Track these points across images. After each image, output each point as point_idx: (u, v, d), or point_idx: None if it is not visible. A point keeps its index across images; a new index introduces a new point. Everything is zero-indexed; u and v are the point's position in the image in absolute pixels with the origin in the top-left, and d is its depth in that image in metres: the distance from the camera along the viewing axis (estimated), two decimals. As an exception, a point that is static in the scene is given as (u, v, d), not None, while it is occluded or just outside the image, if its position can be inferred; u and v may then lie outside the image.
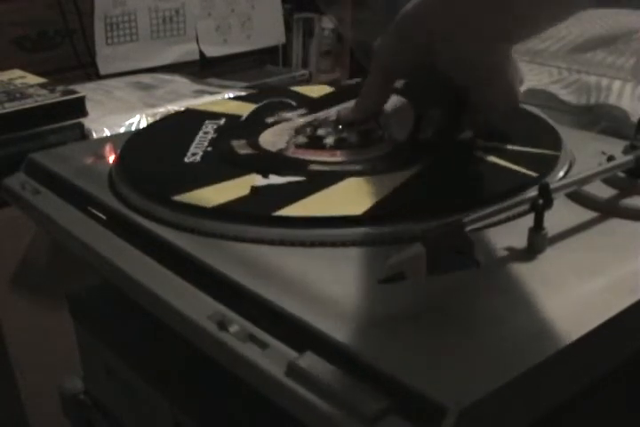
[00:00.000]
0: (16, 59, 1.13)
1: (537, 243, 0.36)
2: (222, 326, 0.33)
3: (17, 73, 0.99)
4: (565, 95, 0.73)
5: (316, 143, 0.49)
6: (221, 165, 0.47)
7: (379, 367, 0.28)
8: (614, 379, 0.37)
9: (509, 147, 0.47)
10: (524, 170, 0.43)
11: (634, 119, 0.66)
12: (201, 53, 1.37)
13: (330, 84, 0.66)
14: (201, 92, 1.06)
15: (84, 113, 0.89)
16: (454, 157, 0.47)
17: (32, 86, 0.91)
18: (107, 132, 0.88)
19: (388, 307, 0.32)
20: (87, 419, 0.61)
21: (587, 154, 0.46)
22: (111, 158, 0.52)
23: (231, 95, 0.99)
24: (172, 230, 0.40)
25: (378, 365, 0.28)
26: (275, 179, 0.44)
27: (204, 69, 1.36)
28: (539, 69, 0.80)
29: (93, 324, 0.57)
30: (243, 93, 0.86)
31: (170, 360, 0.49)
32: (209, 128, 0.54)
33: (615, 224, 0.39)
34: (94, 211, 0.45)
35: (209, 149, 0.50)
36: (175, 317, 0.36)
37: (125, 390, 0.53)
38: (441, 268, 0.32)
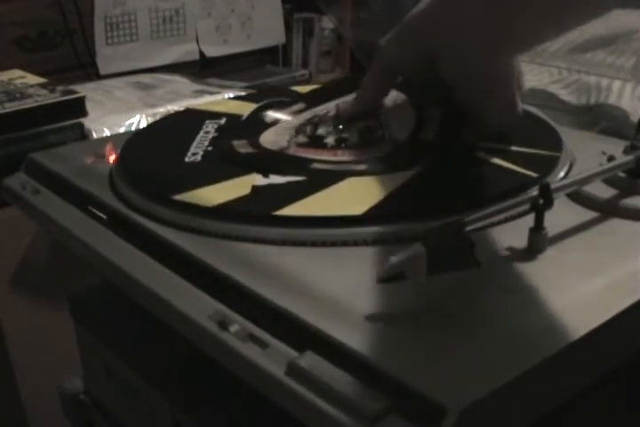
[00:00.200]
0: (16, 59, 1.13)
1: (537, 243, 0.36)
2: (222, 325, 0.33)
3: (17, 73, 0.99)
4: (565, 95, 0.73)
5: (317, 142, 0.49)
6: (222, 165, 0.47)
7: (379, 367, 0.28)
8: (614, 379, 0.37)
9: (510, 147, 0.47)
10: (524, 170, 0.43)
11: (634, 119, 0.66)
12: (201, 53, 1.37)
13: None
14: (201, 92, 1.06)
15: (83, 113, 0.89)
16: (455, 158, 0.46)
17: (32, 86, 0.92)
18: (107, 132, 0.88)
19: (388, 307, 0.32)
20: (87, 419, 0.61)
21: (587, 154, 0.46)
22: (111, 158, 0.52)
23: (231, 95, 0.99)
24: (172, 230, 0.40)
25: (378, 365, 0.28)
26: (275, 178, 0.44)
27: (204, 69, 1.36)
28: (539, 69, 0.80)
29: (93, 324, 0.57)
30: (243, 93, 0.86)
31: (170, 360, 0.49)
32: (210, 128, 0.54)
33: (615, 224, 0.39)
34: (94, 211, 0.45)
35: (209, 148, 0.50)
36: (175, 316, 0.36)
37: (125, 390, 0.53)
38: (441, 268, 0.32)
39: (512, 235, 0.37)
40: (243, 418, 0.44)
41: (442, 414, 0.26)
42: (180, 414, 0.47)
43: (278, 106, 0.57)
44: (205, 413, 0.45)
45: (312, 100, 0.57)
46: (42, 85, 0.92)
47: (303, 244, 0.38)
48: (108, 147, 0.54)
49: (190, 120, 0.57)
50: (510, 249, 0.37)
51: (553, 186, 0.36)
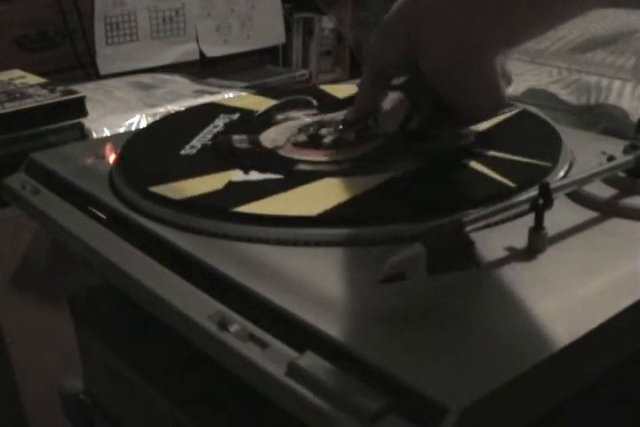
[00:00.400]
0: (16, 59, 1.13)
1: (537, 243, 0.36)
2: (222, 325, 0.33)
3: (17, 73, 0.99)
4: (565, 95, 0.73)
5: (313, 142, 0.49)
6: (211, 159, 0.47)
7: (379, 367, 0.28)
8: (614, 379, 0.37)
9: (500, 153, 0.47)
10: (501, 178, 0.42)
11: (634, 119, 0.66)
12: (201, 53, 1.37)
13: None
14: (201, 92, 1.06)
15: (84, 113, 0.89)
16: (440, 162, 0.46)
17: (32, 86, 0.91)
18: (107, 132, 0.88)
19: (387, 307, 0.32)
20: (87, 419, 0.61)
21: (587, 154, 0.46)
22: (111, 158, 0.52)
23: (231, 95, 0.99)
24: (172, 230, 0.40)
25: (378, 364, 0.28)
26: (254, 175, 0.44)
27: (204, 69, 1.36)
28: (539, 69, 0.80)
29: (93, 324, 0.57)
30: (243, 93, 0.86)
31: (170, 360, 0.49)
32: (220, 122, 0.54)
33: (615, 224, 0.39)
34: (94, 210, 0.45)
35: (209, 142, 0.50)
36: (175, 316, 0.36)
37: (125, 390, 0.53)
38: (441, 268, 0.32)
39: (512, 235, 0.37)
40: (243, 418, 0.44)
41: (442, 414, 0.26)
42: (179, 414, 0.47)
43: (295, 105, 0.57)
44: (205, 413, 0.45)
45: (331, 105, 0.57)
46: (42, 85, 0.92)
47: (305, 244, 0.38)
48: (108, 147, 0.54)
49: (205, 114, 0.57)
50: (510, 249, 0.37)
51: (552, 186, 0.36)
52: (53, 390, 0.64)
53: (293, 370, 0.30)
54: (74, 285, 0.60)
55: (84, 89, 0.98)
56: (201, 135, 0.52)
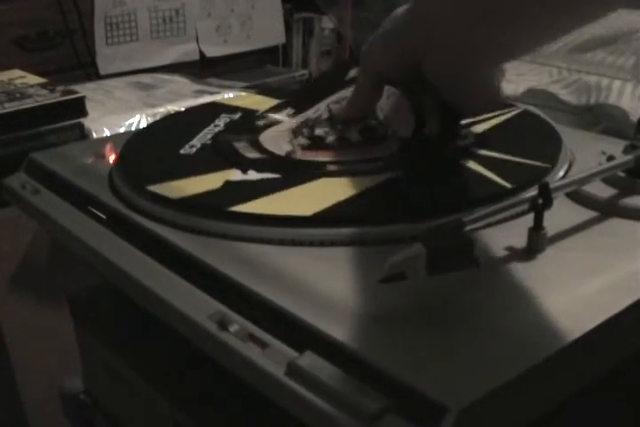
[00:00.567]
0: (16, 59, 1.12)
1: (537, 243, 0.36)
2: (222, 325, 0.33)
3: (17, 73, 0.99)
4: (565, 95, 0.73)
5: (319, 144, 0.49)
6: (210, 158, 0.47)
7: (378, 367, 0.28)
8: (614, 379, 0.37)
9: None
10: (499, 179, 0.42)
11: (634, 119, 0.66)
12: (201, 53, 1.37)
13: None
14: (201, 92, 1.06)
15: (84, 113, 0.89)
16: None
17: (32, 86, 0.91)
18: (107, 132, 0.88)
19: (388, 307, 0.32)
20: (87, 419, 0.61)
21: (587, 154, 0.46)
22: (111, 158, 0.52)
23: (231, 95, 0.99)
24: (172, 230, 0.40)
25: (378, 364, 0.28)
26: (252, 175, 0.44)
27: (203, 69, 1.36)
28: (539, 69, 0.80)
29: (93, 324, 0.57)
30: (243, 93, 0.86)
31: (170, 360, 0.49)
32: (221, 121, 0.54)
33: (615, 224, 0.39)
34: (94, 210, 0.45)
35: (209, 141, 0.50)
36: (175, 316, 0.36)
37: (125, 390, 0.53)
38: (441, 268, 0.32)
39: (512, 235, 0.37)
40: (243, 418, 0.44)
41: (442, 413, 0.26)
42: (179, 414, 0.47)
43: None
44: (205, 413, 0.45)
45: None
46: (42, 85, 0.92)
47: (304, 244, 0.38)
48: (108, 147, 0.54)
49: (206, 114, 0.58)
50: (510, 249, 0.37)
51: (552, 185, 0.36)
52: (53, 390, 0.64)
53: (293, 370, 0.30)
54: (74, 285, 0.60)
55: (84, 89, 0.98)
56: (201, 135, 0.52)
